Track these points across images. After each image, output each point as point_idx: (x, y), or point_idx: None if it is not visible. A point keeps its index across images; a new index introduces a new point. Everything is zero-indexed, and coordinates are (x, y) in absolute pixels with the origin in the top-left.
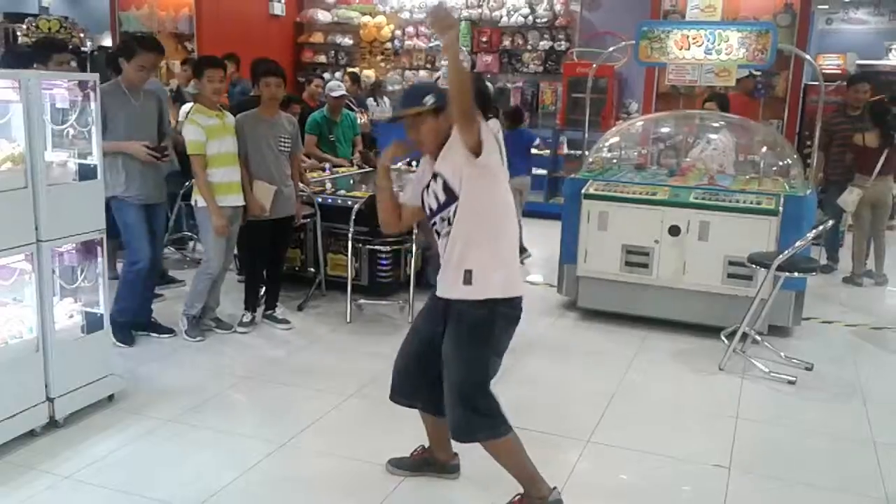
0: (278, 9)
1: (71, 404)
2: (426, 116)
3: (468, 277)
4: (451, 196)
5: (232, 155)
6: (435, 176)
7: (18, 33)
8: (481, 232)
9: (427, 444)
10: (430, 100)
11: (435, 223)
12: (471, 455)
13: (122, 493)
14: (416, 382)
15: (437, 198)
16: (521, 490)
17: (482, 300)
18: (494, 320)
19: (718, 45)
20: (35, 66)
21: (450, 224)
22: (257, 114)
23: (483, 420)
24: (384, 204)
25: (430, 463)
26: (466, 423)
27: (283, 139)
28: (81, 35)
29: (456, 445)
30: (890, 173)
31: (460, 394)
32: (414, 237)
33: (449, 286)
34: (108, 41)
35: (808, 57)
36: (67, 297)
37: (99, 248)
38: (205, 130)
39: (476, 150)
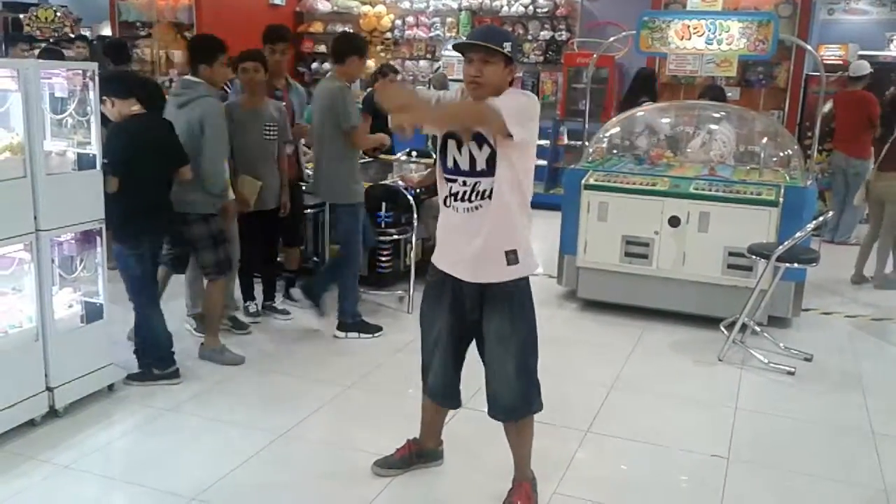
0: None
1: (70, 394)
2: (498, 59)
3: (514, 257)
4: (492, 169)
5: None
6: (476, 137)
7: (24, 22)
8: (521, 210)
9: (417, 437)
10: (507, 46)
11: (453, 185)
12: (468, 445)
13: (122, 482)
14: (458, 381)
15: (471, 159)
16: (516, 475)
17: (525, 277)
18: (530, 292)
19: (719, 35)
20: None
21: (484, 198)
22: (240, 103)
23: (537, 391)
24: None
25: (420, 455)
26: (527, 396)
27: (267, 128)
28: (72, 24)
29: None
30: (891, 169)
31: (525, 369)
32: (414, 228)
33: (489, 270)
34: (107, 30)
35: (809, 47)
36: (67, 287)
37: (98, 238)
38: None
39: (503, 132)
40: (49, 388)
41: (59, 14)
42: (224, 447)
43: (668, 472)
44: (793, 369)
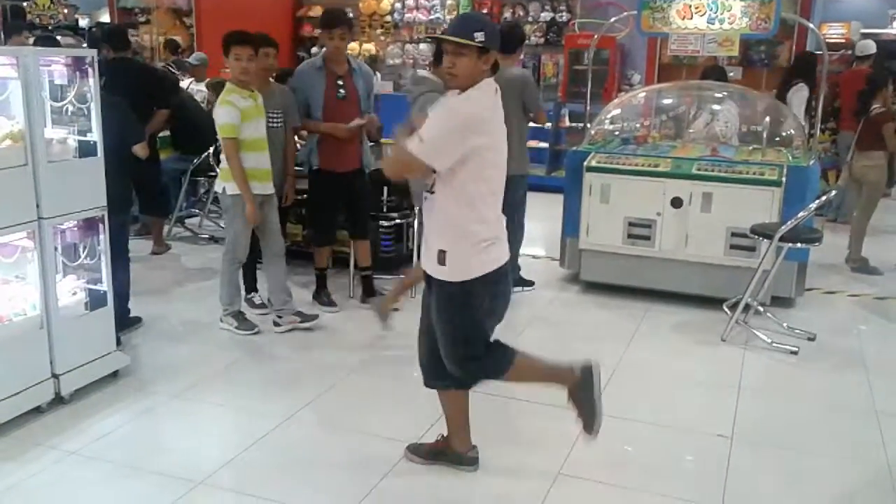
0: None
1: (76, 381)
2: (469, 51)
3: (442, 258)
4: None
5: (263, 139)
6: None
7: (26, 10)
8: (464, 213)
9: (445, 434)
10: (479, 37)
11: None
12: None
13: (128, 467)
14: (438, 359)
15: None
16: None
17: (455, 282)
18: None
19: (721, 14)
20: None
21: (431, 191)
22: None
23: (447, 372)
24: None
25: (446, 454)
26: (438, 374)
27: (272, 116)
28: (65, 11)
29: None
30: (868, 149)
31: (446, 353)
32: (416, 212)
33: (427, 263)
34: (105, 17)
35: (811, 25)
36: (70, 275)
37: (101, 225)
38: (240, 112)
39: (428, 171)
40: (55, 375)
41: (53, 2)
42: (230, 432)
43: (672, 453)
44: (796, 349)
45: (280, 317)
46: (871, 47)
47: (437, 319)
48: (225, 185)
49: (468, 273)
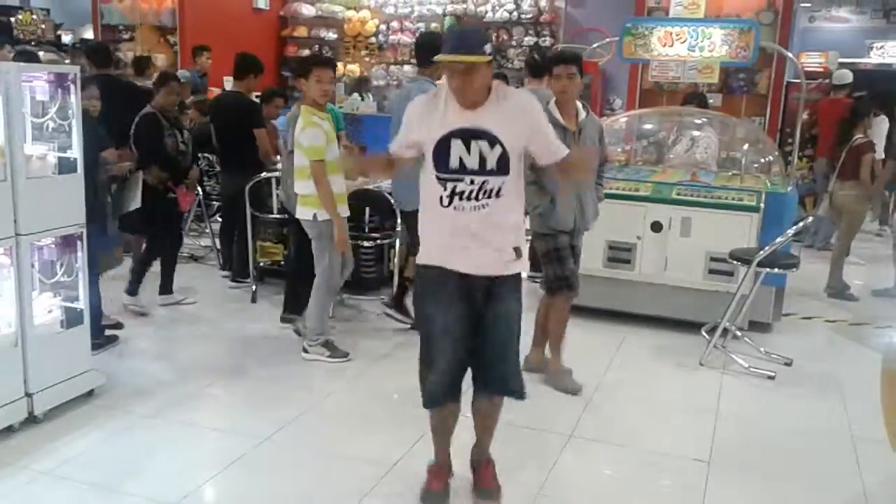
0: (262, 2)
1: (50, 400)
2: (482, 65)
3: (520, 253)
4: (503, 169)
5: (339, 162)
6: (484, 134)
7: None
8: (518, 213)
9: (439, 462)
10: (489, 48)
11: (457, 184)
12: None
13: (102, 489)
14: (463, 371)
15: (482, 159)
16: (483, 455)
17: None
18: None
19: (701, 42)
20: None
21: (492, 197)
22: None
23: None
24: (378, 164)
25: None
26: (520, 376)
27: None
28: (43, 27)
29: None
30: (850, 178)
31: (516, 351)
32: (397, 233)
33: (499, 264)
34: (89, 34)
35: (789, 55)
36: (46, 292)
37: (79, 243)
38: (325, 134)
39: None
40: (28, 394)
41: (34, 17)
42: (205, 453)
43: (650, 477)
44: (773, 374)
45: (310, 345)
46: (847, 77)
47: (512, 319)
48: (315, 211)
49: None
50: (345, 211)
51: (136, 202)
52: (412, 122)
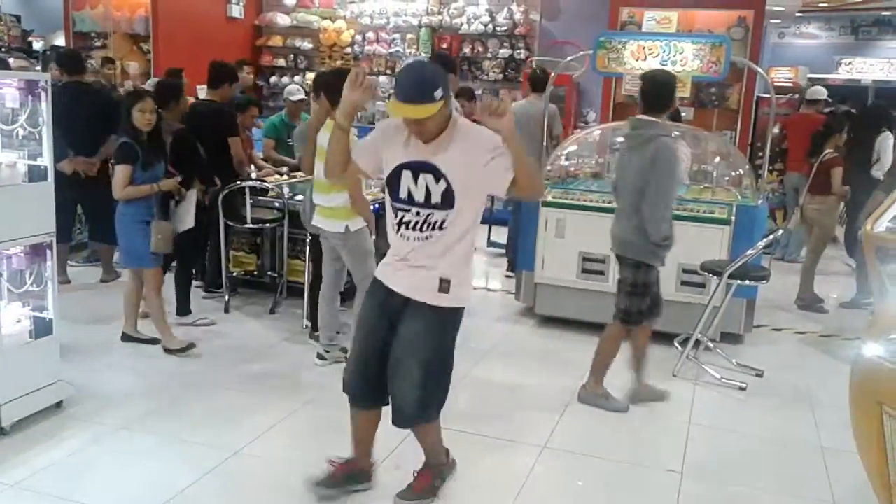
0: (237, 11)
1: (18, 411)
2: (434, 111)
3: (445, 286)
4: (447, 203)
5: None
6: (431, 168)
7: None
8: (464, 246)
9: (351, 456)
10: (439, 94)
11: (405, 214)
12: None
13: (71, 501)
14: (375, 382)
15: (427, 193)
16: (424, 463)
17: (453, 308)
18: (456, 320)
19: (673, 56)
20: None
21: (434, 229)
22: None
23: (435, 402)
24: (341, 146)
25: (354, 476)
26: (422, 404)
27: None
28: (10, 32)
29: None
30: (819, 193)
31: (427, 381)
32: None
33: (421, 289)
34: (60, 41)
35: (760, 70)
36: (15, 302)
37: (48, 252)
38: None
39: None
40: None
41: (1, 25)
42: (176, 465)
43: (623, 488)
44: (744, 385)
45: (328, 351)
46: (821, 93)
47: (419, 347)
48: (348, 222)
49: (465, 299)
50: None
51: (189, 222)
52: (380, 136)
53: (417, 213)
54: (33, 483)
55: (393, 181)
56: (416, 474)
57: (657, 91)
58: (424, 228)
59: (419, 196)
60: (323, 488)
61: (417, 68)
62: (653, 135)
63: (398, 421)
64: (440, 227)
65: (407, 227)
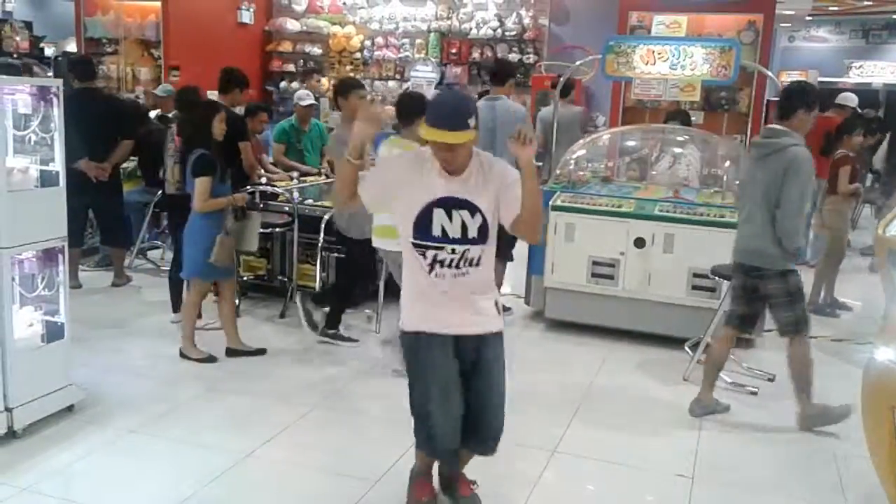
0: (247, 17)
1: (30, 415)
2: (470, 138)
3: (499, 308)
4: (483, 237)
5: None
6: (467, 205)
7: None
8: (492, 271)
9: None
10: (472, 122)
11: (438, 252)
12: None
13: None
14: (459, 425)
15: (464, 228)
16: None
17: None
18: None
19: (683, 60)
20: None
21: (471, 266)
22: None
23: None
24: (350, 178)
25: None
26: (502, 427)
27: None
28: (18, 39)
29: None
30: (830, 194)
31: (503, 403)
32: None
33: (483, 323)
34: (72, 47)
35: (770, 73)
36: (27, 306)
37: (60, 256)
38: None
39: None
40: (7, 409)
41: (12, 28)
42: (186, 469)
43: (633, 492)
44: (756, 389)
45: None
46: (852, 100)
47: (501, 375)
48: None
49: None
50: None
51: (253, 245)
52: (389, 173)
53: (453, 251)
54: (44, 486)
55: (422, 219)
56: (461, 481)
57: (787, 99)
58: (462, 265)
59: (454, 233)
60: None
61: (453, 96)
62: (786, 144)
63: (491, 450)
64: (477, 264)
65: (442, 266)
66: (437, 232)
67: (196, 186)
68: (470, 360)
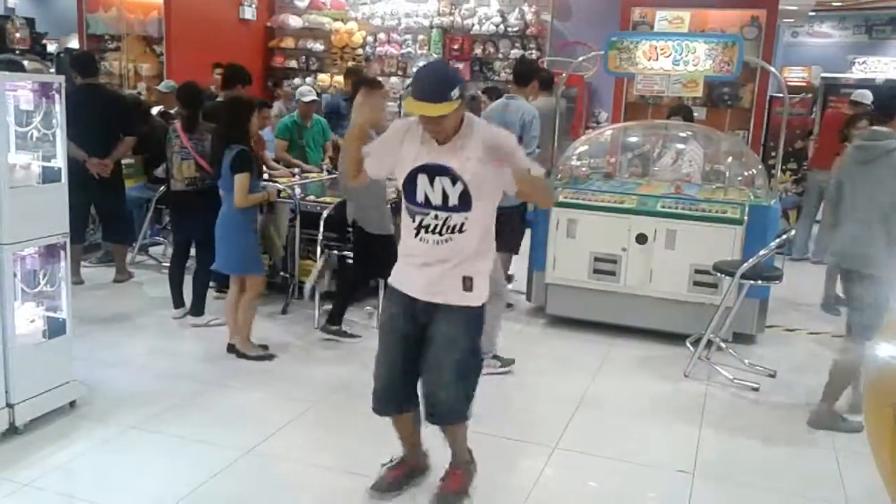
0: (249, 13)
1: (31, 410)
2: (451, 110)
3: (469, 285)
4: (465, 205)
5: None
6: (447, 171)
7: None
8: (484, 244)
9: (403, 456)
10: (456, 94)
11: (424, 217)
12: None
13: (83, 500)
14: (409, 386)
15: (444, 196)
16: (453, 462)
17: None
18: (481, 317)
19: (686, 56)
20: None
21: (455, 232)
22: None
23: (468, 400)
24: (354, 161)
25: (411, 475)
26: (459, 402)
27: None
28: (17, 35)
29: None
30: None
31: (462, 378)
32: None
33: (446, 292)
34: (74, 43)
35: (773, 69)
36: (29, 302)
37: (62, 252)
38: None
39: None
40: (9, 405)
41: (12, 24)
42: (188, 465)
43: (634, 488)
44: (757, 385)
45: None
46: (867, 97)
47: (453, 348)
48: None
49: (486, 295)
50: None
51: (283, 237)
52: (392, 139)
53: (436, 217)
54: (46, 482)
55: (409, 185)
56: (447, 474)
57: (892, 99)
58: (444, 231)
59: (436, 199)
60: (381, 492)
61: (435, 68)
62: (893, 147)
63: (435, 418)
64: (460, 231)
65: (427, 231)
66: (420, 198)
67: (236, 182)
68: (420, 325)
